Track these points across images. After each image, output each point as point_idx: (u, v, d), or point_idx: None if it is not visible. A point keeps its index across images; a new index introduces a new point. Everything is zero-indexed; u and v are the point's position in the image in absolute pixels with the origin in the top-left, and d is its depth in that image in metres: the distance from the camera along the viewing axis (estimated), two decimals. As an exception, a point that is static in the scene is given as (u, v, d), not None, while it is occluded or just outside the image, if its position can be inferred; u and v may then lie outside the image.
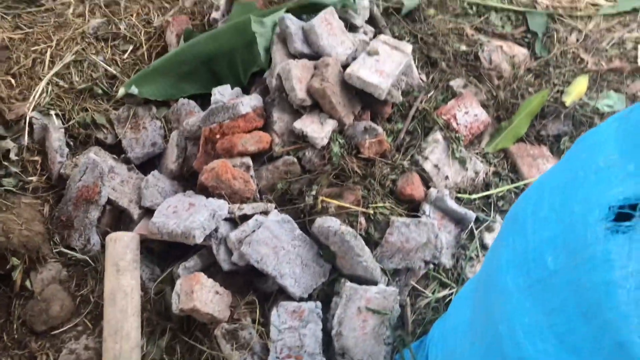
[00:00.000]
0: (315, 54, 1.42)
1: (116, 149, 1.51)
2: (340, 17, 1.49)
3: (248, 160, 1.31)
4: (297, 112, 1.35)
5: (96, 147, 1.48)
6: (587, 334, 0.49)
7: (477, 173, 1.29)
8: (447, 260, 1.16)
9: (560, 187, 0.60)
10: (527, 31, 1.57)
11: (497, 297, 0.66)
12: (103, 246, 1.30)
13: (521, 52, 1.50)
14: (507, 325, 0.62)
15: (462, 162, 1.30)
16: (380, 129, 1.31)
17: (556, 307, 0.54)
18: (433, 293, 1.13)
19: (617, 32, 1.55)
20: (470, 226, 1.20)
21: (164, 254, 1.31)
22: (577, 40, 1.55)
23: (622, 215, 0.49)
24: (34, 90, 1.51)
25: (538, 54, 1.52)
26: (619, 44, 1.53)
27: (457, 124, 1.35)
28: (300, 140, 1.30)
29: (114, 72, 1.62)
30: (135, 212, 1.37)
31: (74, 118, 1.49)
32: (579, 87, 1.43)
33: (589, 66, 1.47)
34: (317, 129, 1.29)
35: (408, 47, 1.42)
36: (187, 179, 1.43)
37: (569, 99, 1.40)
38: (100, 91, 1.57)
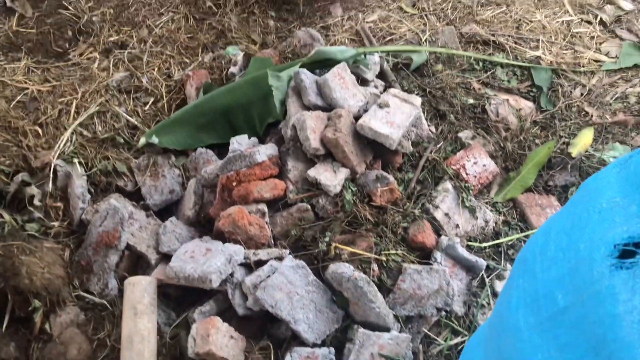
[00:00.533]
0: (328, 106, 1.49)
1: (135, 196, 1.56)
2: (352, 72, 1.56)
3: (263, 206, 1.35)
4: (311, 161, 1.40)
5: (116, 194, 1.53)
6: (596, 368, 0.52)
7: (487, 222, 1.32)
8: (458, 308, 1.18)
9: (566, 228, 0.63)
10: (533, 85, 1.64)
11: (509, 337, 0.68)
12: (120, 291, 1.33)
13: (527, 106, 1.56)
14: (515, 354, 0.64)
15: (472, 211, 1.33)
16: (391, 178, 1.35)
17: (567, 343, 0.56)
18: (445, 340, 1.14)
19: (620, 86, 1.61)
20: (481, 274, 1.22)
21: (180, 299, 1.33)
22: (581, 94, 1.61)
23: (626, 252, 0.52)
24: (59, 139, 1.58)
25: (544, 107, 1.58)
26: (622, 98, 1.59)
27: (467, 174, 1.39)
28: (314, 187, 1.35)
29: (135, 122, 1.69)
30: (153, 257, 1.40)
31: (96, 166, 1.55)
32: (584, 139, 1.47)
33: (594, 119, 1.52)
34: (330, 177, 1.34)
35: (417, 100, 1.48)
36: (204, 225, 1.47)
37: (575, 150, 1.45)
38: (122, 140, 1.64)
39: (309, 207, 1.33)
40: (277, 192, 1.37)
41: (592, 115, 1.53)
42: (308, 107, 1.49)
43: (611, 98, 1.59)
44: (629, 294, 0.50)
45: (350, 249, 1.23)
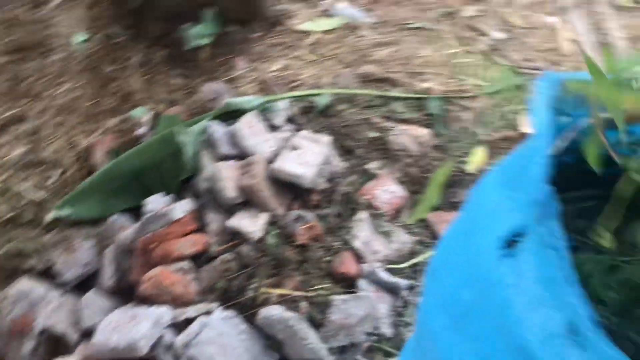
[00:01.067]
0: (241, 155, 1.52)
1: (48, 274, 1.48)
2: (261, 120, 1.61)
3: (186, 264, 1.33)
4: (230, 210, 1.41)
5: (26, 277, 1.45)
6: (501, 346, 0.57)
7: (403, 244, 1.39)
8: (387, 330, 1.21)
9: (462, 232, 0.70)
10: (427, 114, 1.77)
11: (429, 341, 0.73)
12: (40, 377, 1.24)
13: (425, 133, 1.68)
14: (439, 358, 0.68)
15: (388, 235, 1.40)
16: (310, 216, 1.39)
17: (478, 333, 0.61)
18: (380, 364, 1.17)
19: (502, 107, 1.79)
20: (403, 293, 1.27)
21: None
22: (470, 117, 1.76)
23: (511, 243, 0.58)
24: (-44, 226, 1.49)
25: (439, 133, 1.71)
26: (504, 116, 1.76)
27: (379, 201, 1.46)
28: (235, 237, 1.35)
29: (42, 197, 1.63)
30: (73, 336, 1.34)
31: None
32: (477, 157, 1.61)
33: (483, 137, 1.67)
34: (251, 224, 1.35)
35: (326, 139, 1.56)
36: (126, 293, 1.42)
37: (471, 167, 1.58)
38: (27, 219, 1.57)
39: (232, 257, 1.33)
40: (199, 247, 1.36)
41: (480, 135, 1.68)
42: (221, 158, 1.52)
43: (495, 118, 1.75)
44: (516, 278, 0.56)
45: (278, 291, 1.24)
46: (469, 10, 2.27)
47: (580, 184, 0.75)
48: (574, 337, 0.50)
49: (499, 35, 2.15)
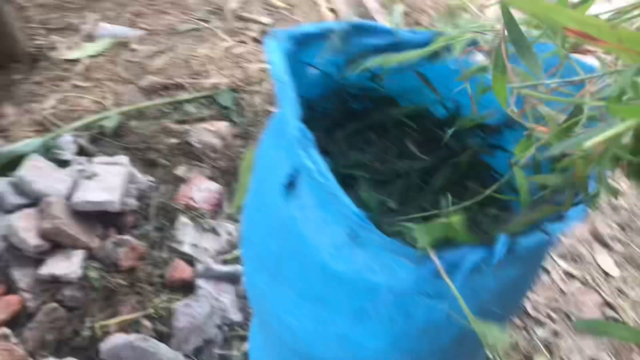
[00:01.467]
0: (35, 200, 1.40)
1: None
2: (48, 159, 1.50)
3: (4, 330, 1.20)
4: (38, 260, 1.30)
5: None
6: (309, 275, 0.63)
7: (230, 234, 1.42)
8: (236, 316, 1.24)
9: (255, 193, 0.75)
10: (221, 107, 1.81)
11: (260, 301, 0.77)
12: None
13: (223, 126, 1.72)
14: (274, 315, 0.73)
15: (214, 231, 1.41)
16: (129, 238, 1.35)
17: (290, 275, 0.67)
18: (238, 350, 1.19)
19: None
20: (243, 278, 1.31)
21: None
22: (261, 100, 1.85)
23: (290, 184, 0.65)
24: None
25: (236, 122, 1.76)
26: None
27: (196, 202, 1.47)
28: (53, 284, 1.25)
29: None
30: None
31: None
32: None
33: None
34: (66, 266, 1.27)
35: (124, 159, 1.51)
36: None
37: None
38: None
39: (56, 305, 1.23)
40: (14, 308, 1.23)
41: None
42: (12, 211, 1.38)
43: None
44: (301, 211, 0.62)
45: (115, 320, 1.19)
46: (233, 2, 2.35)
47: (345, 121, 0.85)
48: (355, 241, 0.58)
49: (266, 19, 2.28)
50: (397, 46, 0.75)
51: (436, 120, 0.90)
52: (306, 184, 0.62)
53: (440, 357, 0.67)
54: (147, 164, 1.61)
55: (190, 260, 1.34)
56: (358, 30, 0.74)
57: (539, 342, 1.37)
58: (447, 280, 0.52)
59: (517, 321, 1.41)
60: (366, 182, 0.73)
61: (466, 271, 0.52)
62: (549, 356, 1.35)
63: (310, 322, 0.68)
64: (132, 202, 1.44)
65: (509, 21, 0.54)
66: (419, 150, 0.86)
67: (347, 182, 0.78)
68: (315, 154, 0.57)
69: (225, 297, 1.25)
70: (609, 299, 1.50)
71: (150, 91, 1.88)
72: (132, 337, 1.11)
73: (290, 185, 0.64)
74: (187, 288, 1.28)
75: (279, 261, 0.70)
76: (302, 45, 0.72)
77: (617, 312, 1.48)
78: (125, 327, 1.17)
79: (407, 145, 0.85)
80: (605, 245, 1.65)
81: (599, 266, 1.59)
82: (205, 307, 1.20)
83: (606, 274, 1.59)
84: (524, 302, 1.43)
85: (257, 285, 0.77)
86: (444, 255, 0.53)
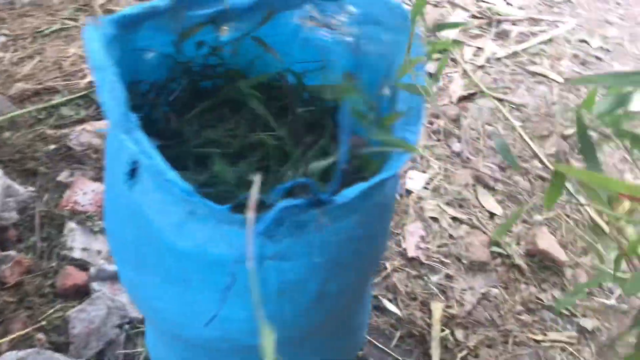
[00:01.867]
0: None
1: None
2: None
3: None
4: None
5: None
6: (167, 262, 0.65)
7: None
8: (136, 313, 1.23)
9: (108, 185, 0.75)
10: (100, 106, 1.75)
11: (135, 294, 0.78)
12: None
13: (103, 124, 1.67)
14: (148, 304, 0.74)
15: (104, 232, 1.38)
16: (13, 253, 1.29)
17: (149, 260, 0.68)
18: (143, 346, 1.18)
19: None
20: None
21: None
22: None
23: (133, 171, 0.65)
24: None
25: (117, 119, 1.71)
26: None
27: (82, 205, 1.42)
28: None
29: None
30: None
31: None
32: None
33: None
34: (-55, 293, 1.20)
35: (-2, 173, 1.43)
36: None
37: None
38: None
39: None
40: None
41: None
42: None
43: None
44: (144, 195, 0.63)
45: (5, 339, 1.14)
46: (100, -2, 2.26)
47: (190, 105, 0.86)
48: (193, 217, 0.60)
49: (140, 11, 2.20)
50: (228, 13, 0.77)
51: (290, 86, 0.93)
52: (145, 171, 0.62)
53: (306, 317, 0.70)
54: (26, 175, 1.53)
55: (83, 265, 1.31)
56: (184, 2, 0.74)
57: (434, 288, 1.47)
58: (249, 239, 0.54)
59: (413, 271, 1.50)
60: (219, 157, 0.75)
61: (270, 223, 0.55)
62: (444, 299, 1.45)
63: (178, 305, 0.69)
64: (13, 216, 1.38)
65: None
66: (275, 119, 0.88)
67: (204, 160, 0.80)
68: (141, 136, 0.58)
69: (123, 295, 1.24)
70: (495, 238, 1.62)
71: (21, 99, 1.78)
72: (25, 352, 1.08)
73: (133, 172, 0.65)
74: (82, 294, 1.26)
75: (138, 250, 0.70)
76: (130, 29, 0.72)
77: (502, 248, 1.61)
78: (16, 345, 1.13)
79: (261, 117, 0.87)
80: (487, 186, 1.78)
81: (484, 207, 1.72)
82: (102, 309, 1.18)
83: (491, 214, 1.71)
84: (386, 246, 1.50)
85: (128, 277, 0.78)
86: (263, 216, 0.55)
